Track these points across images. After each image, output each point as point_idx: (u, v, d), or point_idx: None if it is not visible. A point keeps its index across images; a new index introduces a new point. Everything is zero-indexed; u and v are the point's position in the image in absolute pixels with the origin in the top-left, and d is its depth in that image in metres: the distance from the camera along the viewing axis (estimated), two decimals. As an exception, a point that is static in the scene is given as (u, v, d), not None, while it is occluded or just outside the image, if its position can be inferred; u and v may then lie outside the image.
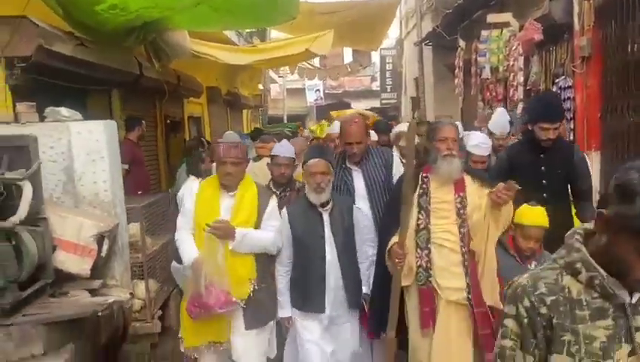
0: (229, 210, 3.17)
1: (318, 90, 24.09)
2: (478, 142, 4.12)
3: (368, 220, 3.56)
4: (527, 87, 6.10)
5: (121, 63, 5.75)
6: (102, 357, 3.26)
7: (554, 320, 1.35)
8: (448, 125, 3.19)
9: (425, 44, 11.14)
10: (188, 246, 3.18)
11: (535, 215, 3.10)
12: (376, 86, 23.32)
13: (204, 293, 2.98)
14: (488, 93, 7.12)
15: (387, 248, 3.06)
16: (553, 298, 1.36)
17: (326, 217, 3.32)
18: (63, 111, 3.76)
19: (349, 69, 15.44)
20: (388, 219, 3.27)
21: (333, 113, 14.20)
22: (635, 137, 4.86)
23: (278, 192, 3.84)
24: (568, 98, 5.71)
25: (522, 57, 5.84)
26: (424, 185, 3.09)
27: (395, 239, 3.01)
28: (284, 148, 3.97)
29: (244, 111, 15.69)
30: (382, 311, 3.17)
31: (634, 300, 1.34)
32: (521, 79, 5.92)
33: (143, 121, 6.63)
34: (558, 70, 5.89)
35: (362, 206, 3.57)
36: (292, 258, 3.39)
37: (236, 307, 3.15)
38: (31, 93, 4.32)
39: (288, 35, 10.83)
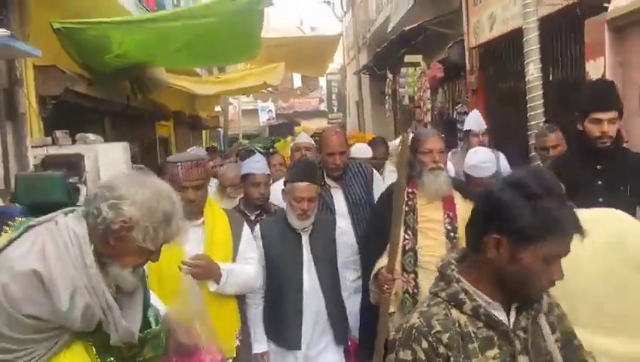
0: (198, 244, 2.48)
1: (270, 110, 25.71)
2: (476, 162, 3.40)
3: (351, 241, 3.21)
4: (435, 112, 7.88)
5: (114, 96, 7.08)
6: None
7: (451, 359, 1.25)
8: (433, 136, 2.88)
9: (362, 74, 12.93)
10: None
11: None
12: (323, 106, 25.10)
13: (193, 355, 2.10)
14: (415, 115, 8.91)
15: (373, 273, 2.68)
16: (448, 334, 1.26)
17: (305, 239, 2.84)
18: (90, 136, 5.13)
19: (299, 93, 17.13)
20: (371, 240, 2.92)
21: (298, 128, 14.24)
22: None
23: (252, 217, 3.23)
24: (464, 120, 7.49)
25: (429, 90, 7.62)
26: (410, 203, 2.75)
27: (381, 262, 2.63)
28: (259, 165, 3.33)
29: (204, 132, 17.01)
30: (368, 341, 2.73)
31: (511, 324, 1.30)
32: (429, 106, 7.70)
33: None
34: (457, 99, 7.69)
35: (344, 225, 3.20)
36: (265, 285, 2.82)
37: None
38: (52, 121, 5.63)
39: (244, 65, 12.36)
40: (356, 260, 3.19)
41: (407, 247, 2.74)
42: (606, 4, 3.88)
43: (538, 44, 3.92)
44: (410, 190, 2.75)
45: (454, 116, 7.58)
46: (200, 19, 5.43)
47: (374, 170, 3.64)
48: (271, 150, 6.78)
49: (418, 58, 7.90)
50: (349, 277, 3.12)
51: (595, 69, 3.90)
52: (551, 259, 1.22)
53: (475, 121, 4.59)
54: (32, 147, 4.87)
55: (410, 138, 2.82)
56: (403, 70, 8.23)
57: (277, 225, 2.87)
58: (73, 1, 5.35)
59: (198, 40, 5.97)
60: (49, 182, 3.72)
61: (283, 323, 2.77)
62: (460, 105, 7.55)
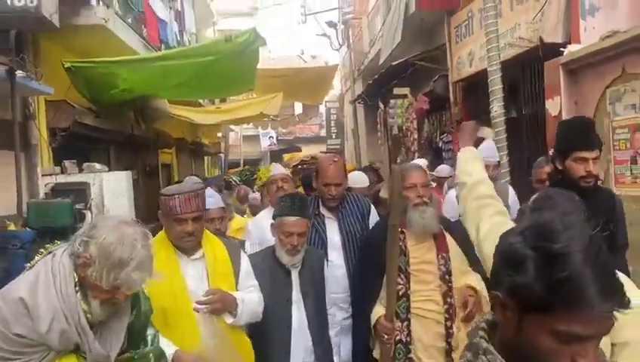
0: (201, 278, 2.40)
1: (271, 136, 26.28)
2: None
3: (342, 277, 3.04)
4: (422, 141, 8.30)
5: (119, 126, 7.52)
6: None
7: None
8: (415, 169, 2.74)
9: (357, 103, 13.43)
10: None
11: None
12: (324, 132, 25.69)
13: None
14: (405, 144, 9.33)
15: (372, 323, 2.59)
16: None
17: (295, 276, 2.73)
18: (96, 165, 5.53)
19: (298, 120, 17.60)
20: (363, 280, 2.80)
21: (286, 156, 14.37)
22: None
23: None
24: (450, 149, 7.90)
25: (416, 120, 8.06)
26: (400, 243, 2.55)
27: (378, 310, 2.56)
28: (212, 199, 3.14)
29: (206, 158, 17.49)
30: None
31: None
32: (416, 136, 8.12)
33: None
34: (443, 129, 8.11)
35: (335, 259, 3.05)
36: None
37: None
38: (61, 151, 6.05)
39: (245, 95, 12.88)
40: (346, 298, 3.01)
41: (400, 293, 2.53)
42: (562, 49, 4.30)
43: (501, 84, 4.33)
44: (399, 229, 2.53)
45: (440, 145, 7.98)
46: (200, 57, 5.90)
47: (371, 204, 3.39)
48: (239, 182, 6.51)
49: (405, 90, 8.37)
50: (339, 316, 2.98)
51: (554, 106, 4.30)
52: (567, 337, 0.91)
53: (489, 150, 4.01)
54: (43, 176, 5.29)
55: (395, 170, 2.68)
56: (392, 102, 8.71)
57: (265, 261, 2.72)
58: (83, 41, 5.82)
59: (198, 75, 6.43)
60: (58, 208, 4.11)
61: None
62: (445, 134, 7.97)
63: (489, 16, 4.35)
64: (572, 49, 4.16)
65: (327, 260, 2.98)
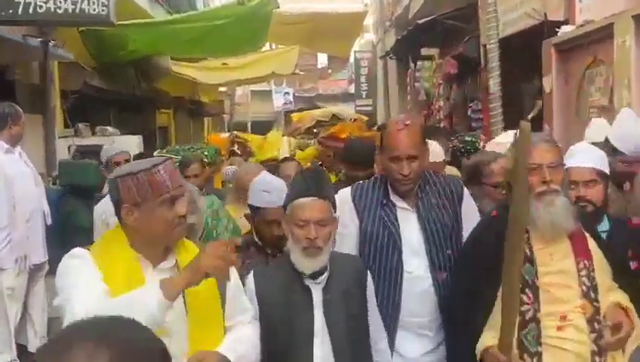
0: (177, 303, 2.01)
1: (287, 93, 28.24)
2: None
3: (425, 294, 2.85)
4: (449, 109, 10.25)
5: (122, 87, 9.67)
6: None
7: None
8: (543, 142, 2.51)
9: (389, 58, 15.35)
10: None
11: None
12: (353, 89, 27.45)
13: None
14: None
15: (477, 354, 2.42)
16: None
17: (317, 295, 2.50)
18: (109, 128, 7.67)
19: (319, 76, 19.64)
20: (460, 296, 2.67)
21: (294, 116, 14.08)
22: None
23: (269, 250, 3.07)
24: (480, 118, 9.80)
25: (441, 85, 10.00)
26: (525, 247, 2.39)
27: (487, 338, 2.41)
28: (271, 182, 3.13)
29: (206, 120, 19.60)
30: None
31: None
32: (442, 103, 10.05)
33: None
34: (473, 95, 10.01)
35: (415, 267, 2.85)
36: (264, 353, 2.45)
37: None
38: (71, 113, 8.20)
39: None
40: (430, 324, 2.85)
41: (526, 316, 2.37)
42: (557, 29, 6.18)
43: (498, 61, 6.24)
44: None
45: (469, 113, 9.89)
46: (212, 21, 7.94)
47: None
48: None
49: (434, 52, 10.24)
50: (418, 349, 2.85)
51: (547, 83, 6.20)
52: None
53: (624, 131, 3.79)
54: (58, 137, 7.42)
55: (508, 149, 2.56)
56: (419, 63, 10.61)
57: (278, 273, 2.56)
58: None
59: (207, 36, 8.49)
60: (86, 168, 6.19)
61: None
62: (474, 102, 9.86)
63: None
64: (565, 29, 6.02)
65: (402, 269, 2.81)
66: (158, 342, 1.06)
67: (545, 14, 6.59)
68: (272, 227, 2.87)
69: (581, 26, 5.60)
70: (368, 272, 2.66)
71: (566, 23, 6.29)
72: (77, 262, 2.06)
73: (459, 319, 2.65)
